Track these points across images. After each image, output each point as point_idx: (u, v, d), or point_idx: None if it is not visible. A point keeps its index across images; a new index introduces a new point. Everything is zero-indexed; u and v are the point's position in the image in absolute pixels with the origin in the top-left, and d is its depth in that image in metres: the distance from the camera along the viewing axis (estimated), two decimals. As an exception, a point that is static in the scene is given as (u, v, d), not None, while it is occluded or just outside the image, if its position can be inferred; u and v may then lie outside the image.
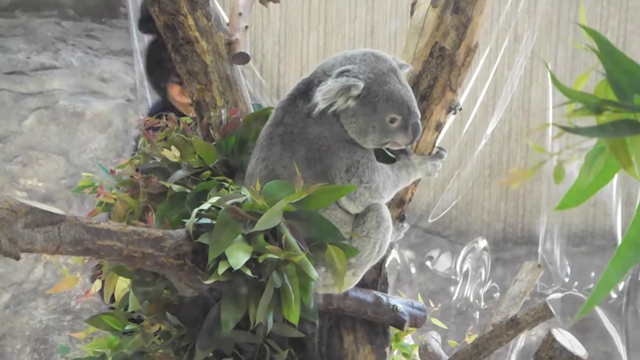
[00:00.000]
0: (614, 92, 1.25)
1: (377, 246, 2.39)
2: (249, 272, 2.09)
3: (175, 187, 2.39)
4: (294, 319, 2.16)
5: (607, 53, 1.22)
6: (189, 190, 2.37)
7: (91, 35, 6.43)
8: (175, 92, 3.91)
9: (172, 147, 2.49)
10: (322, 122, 2.37)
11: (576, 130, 1.24)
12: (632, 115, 1.23)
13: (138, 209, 2.44)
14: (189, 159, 2.49)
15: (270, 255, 2.12)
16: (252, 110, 2.67)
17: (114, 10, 6.65)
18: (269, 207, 2.18)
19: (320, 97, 2.32)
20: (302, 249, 2.17)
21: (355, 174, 2.37)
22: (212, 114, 2.59)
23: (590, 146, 1.33)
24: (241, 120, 2.59)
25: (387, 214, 2.42)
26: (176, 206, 2.37)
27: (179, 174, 2.44)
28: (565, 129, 1.22)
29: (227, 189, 2.30)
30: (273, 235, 2.19)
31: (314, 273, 2.17)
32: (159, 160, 2.52)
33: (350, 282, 2.44)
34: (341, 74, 2.36)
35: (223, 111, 2.57)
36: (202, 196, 2.30)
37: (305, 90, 2.42)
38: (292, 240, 2.16)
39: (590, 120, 1.31)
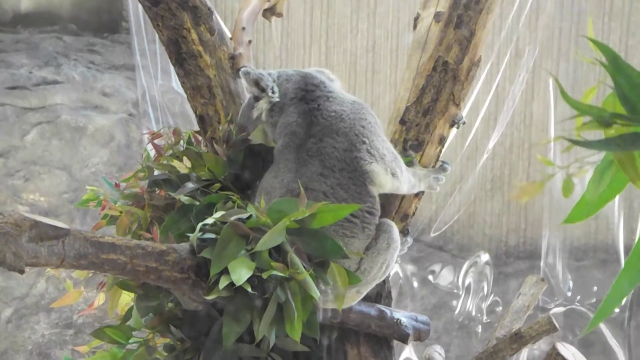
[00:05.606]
0: (623, 106, 1.25)
1: (384, 266, 2.42)
2: (249, 289, 2.09)
3: (184, 199, 2.38)
4: (296, 335, 2.16)
5: (617, 67, 1.21)
6: (197, 203, 2.37)
7: (93, 50, 6.43)
8: None
9: (184, 159, 2.49)
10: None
11: (586, 144, 1.23)
12: (641, 128, 1.23)
13: (145, 220, 2.44)
14: (199, 171, 2.49)
15: (274, 272, 2.12)
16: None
17: (116, 25, 6.65)
18: (274, 223, 2.17)
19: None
20: (305, 268, 2.17)
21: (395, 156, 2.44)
22: (221, 127, 2.59)
23: (598, 160, 1.33)
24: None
25: (397, 235, 2.44)
26: (183, 219, 2.37)
27: (189, 186, 2.44)
28: (575, 142, 1.22)
29: (234, 202, 2.30)
30: (277, 251, 2.18)
31: (316, 292, 2.16)
32: (166, 172, 2.52)
33: (354, 298, 2.45)
34: None
35: (232, 125, 2.56)
36: (208, 209, 2.30)
37: (310, 98, 2.45)
38: (296, 259, 2.16)
39: (595, 134, 1.31)
